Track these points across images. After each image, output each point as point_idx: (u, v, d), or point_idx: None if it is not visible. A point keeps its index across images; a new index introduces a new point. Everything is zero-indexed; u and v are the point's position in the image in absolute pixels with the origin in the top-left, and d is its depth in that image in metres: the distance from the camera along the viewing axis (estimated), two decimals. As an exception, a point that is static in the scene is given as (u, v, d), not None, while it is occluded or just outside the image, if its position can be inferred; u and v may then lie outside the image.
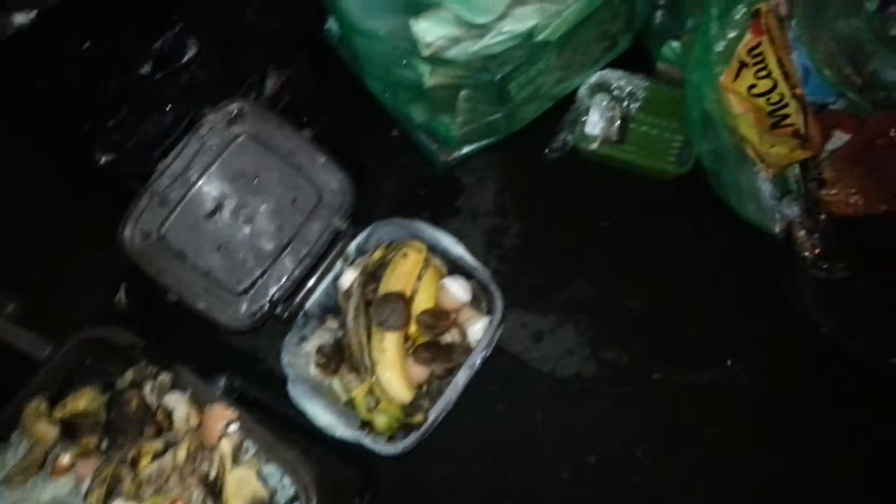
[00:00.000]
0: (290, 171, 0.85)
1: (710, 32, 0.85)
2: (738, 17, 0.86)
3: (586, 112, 1.00)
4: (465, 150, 1.01)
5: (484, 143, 1.01)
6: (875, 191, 0.88)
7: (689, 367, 0.94)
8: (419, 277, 0.85)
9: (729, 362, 0.94)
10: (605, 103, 1.00)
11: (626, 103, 1.01)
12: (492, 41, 0.83)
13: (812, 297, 0.93)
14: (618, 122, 1.00)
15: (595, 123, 1.00)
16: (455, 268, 0.86)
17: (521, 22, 0.82)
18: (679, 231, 1.00)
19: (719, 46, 0.86)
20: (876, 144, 0.86)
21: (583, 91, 1.01)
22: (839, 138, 0.93)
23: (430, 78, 0.88)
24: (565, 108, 1.01)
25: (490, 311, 0.85)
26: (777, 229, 0.94)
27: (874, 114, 0.89)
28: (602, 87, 1.01)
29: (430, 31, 0.82)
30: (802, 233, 0.93)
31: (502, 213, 1.03)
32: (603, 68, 1.01)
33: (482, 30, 0.82)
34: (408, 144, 1.03)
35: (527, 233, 1.01)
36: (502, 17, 0.81)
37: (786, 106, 0.90)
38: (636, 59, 1.01)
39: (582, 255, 1.00)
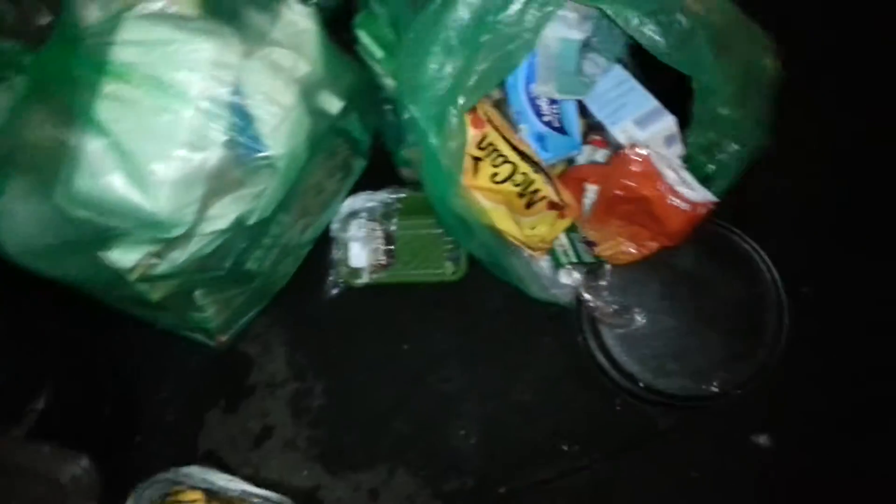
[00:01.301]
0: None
1: (432, 149, 0.83)
2: (453, 124, 0.83)
3: (345, 247, 0.96)
4: (236, 326, 0.95)
5: (253, 312, 0.96)
6: (640, 235, 0.89)
7: (528, 468, 0.92)
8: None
9: (565, 447, 0.93)
10: (362, 231, 0.96)
11: (384, 223, 0.97)
12: (198, 247, 0.77)
13: (622, 354, 0.93)
14: (382, 245, 0.97)
15: (358, 255, 0.96)
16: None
17: (221, 219, 0.76)
18: (478, 327, 0.98)
19: (446, 159, 0.84)
20: (615, 195, 0.86)
21: (335, 227, 0.97)
22: (593, 191, 0.94)
23: (154, 293, 0.81)
24: (329, 243, 0.98)
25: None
26: (567, 300, 0.94)
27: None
28: (354, 215, 0.97)
29: (125, 258, 0.76)
30: (589, 296, 0.93)
31: (300, 374, 0.97)
32: (347, 196, 0.98)
33: (183, 240, 0.76)
34: (177, 338, 0.95)
35: (333, 387, 0.97)
36: (198, 223, 0.75)
37: (532, 182, 0.90)
38: (381, 172, 0.98)
39: (393, 388, 0.96)
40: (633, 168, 0.81)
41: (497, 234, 0.89)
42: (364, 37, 0.92)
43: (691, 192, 0.80)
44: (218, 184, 0.74)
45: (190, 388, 0.98)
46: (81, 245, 0.74)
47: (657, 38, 0.73)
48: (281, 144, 0.75)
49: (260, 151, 0.75)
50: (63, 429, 0.81)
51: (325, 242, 0.97)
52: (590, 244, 0.92)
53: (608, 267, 0.93)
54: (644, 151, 0.82)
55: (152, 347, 0.98)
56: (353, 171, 0.97)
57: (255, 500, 0.76)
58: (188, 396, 0.98)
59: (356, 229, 0.97)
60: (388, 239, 0.97)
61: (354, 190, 0.98)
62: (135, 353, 0.98)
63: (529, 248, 0.90)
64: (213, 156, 0.72)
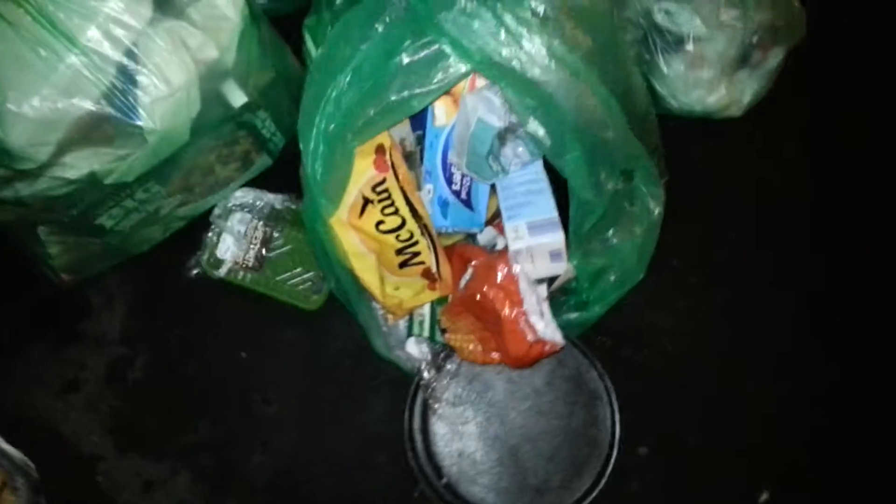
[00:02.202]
0: None
1: (309, 173, 0.81)
2: (337, 157, 0.82)
3: (219, 235, 0.94)
4: (84, 272, 0.93)
5: (105, 265, 0.94)
6: (488, 342, 0.87)
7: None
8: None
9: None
10: (241, 226, 0.95)
11: (267, 227, 0.96)
12: (44, 186, 0.75)
13: (439, 443, 0.92)
14: (256, 248, 0.95)
15: (226, 248, 0.94)
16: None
17: (74, 169, 0.75)
18: (320, 363, 0.96)
19: (322, 189, 0.82)
20: (475, 296, 0.84)
21: (216, 213, 0.95)
22: (470, 276, 0.92)
23: (-3, 214, 0.80)
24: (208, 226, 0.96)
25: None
26: (408, 367, 0.92)
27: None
28: (240, 208, 0.96)
29: (-31, 172, 0.74)
30: (429, 376, 0.91)
31: (130, 341, 0.96)
32: (241, 187, 0.96)
33: (31, 176, 0.74)
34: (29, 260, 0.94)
35: (154, 366, 0.95)
36: (49, 164, 0.73)
37: (416, 244, 0.88)
38: (287, 177, 0.96)
39: (212, 390, 0.94)
40: (500, 279, 0.79)
41: (355, 277, 0.87)
42: (308, 40, 0.91)
43: (542, 327, 0.79)
44: (80, 134, 0.73)
45: (25, 313, 0.97)
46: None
47: (541, 132, 0.72)
48: (157, 120, 0.74)
49: (133, 120, 0.73)
50: None
51: (204, 224, 0.96)
52: (442, 329, 0.91)
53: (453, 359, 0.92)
54: (516, 269, 0.80)
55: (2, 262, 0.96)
56: (255, 165, 0.95)
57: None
58: (19, 320, 0.96)
59: (236, 222, 0.95)
60: (266, 244, 0.95)
61: (251, 184, 0.97)
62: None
63: (384, 307, 0.89)
64: (81, 106, 0.71)
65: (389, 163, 0.85)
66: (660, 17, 0.89)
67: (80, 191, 0.77)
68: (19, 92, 0.69)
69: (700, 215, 1.03)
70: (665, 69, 0.92)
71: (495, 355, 0.87)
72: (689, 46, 0.92)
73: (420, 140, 0.90)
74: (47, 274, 0.93)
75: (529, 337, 0.79)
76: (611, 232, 0.81)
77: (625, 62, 0.77)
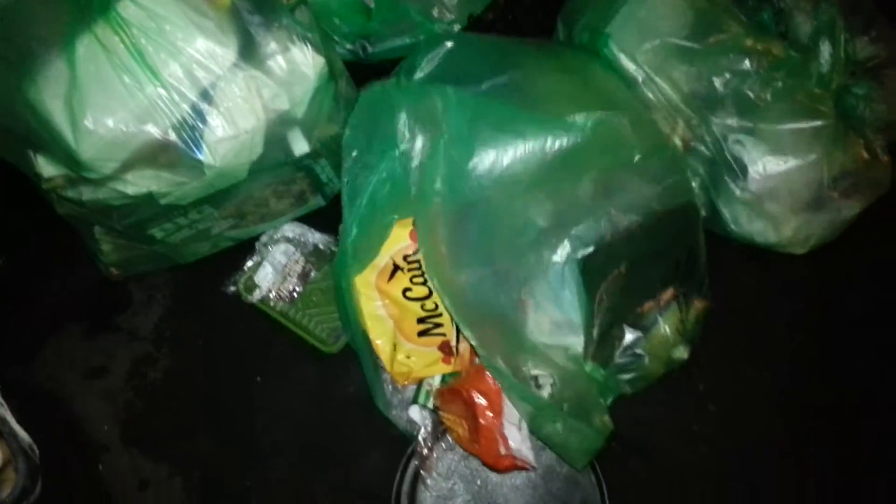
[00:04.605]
0: None
1: (350, 230, 0.85)
2: (377, 226, 0.85)
3: (260, 262, 1.00)
4: (131, 270, 1.00)
5: (151, 267, 1.00)
6: (472, 432, 0.88)
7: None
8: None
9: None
10: (283, 258, 0.99)
11: (308, 263, 1.00)
12: (104, 195, 0.82)
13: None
14: (293, 282, 1.00)
15: (265, 276, 0.99)
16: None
17: (132, 186, 0.81)
18: (327, 404, 0.99)
19: (354, 249, 0.86)
20: (462, 395, 0.86)
21: (263, 239, 1.00)
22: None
23: (59, 207, 0.87)
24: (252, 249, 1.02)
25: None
26: (405, 429, 0.95)
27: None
28: (286, 240, 1.00)
29: (45, 167, 0.82)
30: (425, 445, 0.93)
31: (158, 342, 1.02)
32: (294, 220, 1.01)
33: (93, 183, 0.81)
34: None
35: (174, 370, 1.01)
36: (111, 178, 0.80)
37: (439, 315, 0.91)
38: (338, 219, 1.00)
39: (221, 406, 0.99)
40: (488, 383, 0.81)
41: (368, 339, 0.90)
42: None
43: (516, 443, 0.80)
44: (144, 157, 0.79)
45: (72, 293, 1.05)
46: (19, 136, 0.80)
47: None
48: (218, 158, 0.79)
49: (195, 154, 0.79)
50: None
51: (249, 246, 1.01)
52: (436, 406, 0.92)
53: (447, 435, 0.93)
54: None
55: (63, 239, 1.03)
56: (308, 204, 1.00)
57: (4, 428, 0.80)
58: (65, 299, 1.04)
59: (279, 253, 1.00)
60: (302, 279, 1.00)
61: (302, 219, 1.01)
62: (46, 233, 1.04)
63: (391, 372, 0.91)
64: (151, 133, 0.77)
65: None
66: (733, 147, 0.88)
67: (136, 205, 0.84)
68: (97, 111, 0.76)
69: (737, 344, 1.01)
70: (731, 194, 0.91)
71: (475, 448, 0.89)
72: (760, 178, 0.91)
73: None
74: (99, 264, 1.00)
75: (502, 449, 0.80)
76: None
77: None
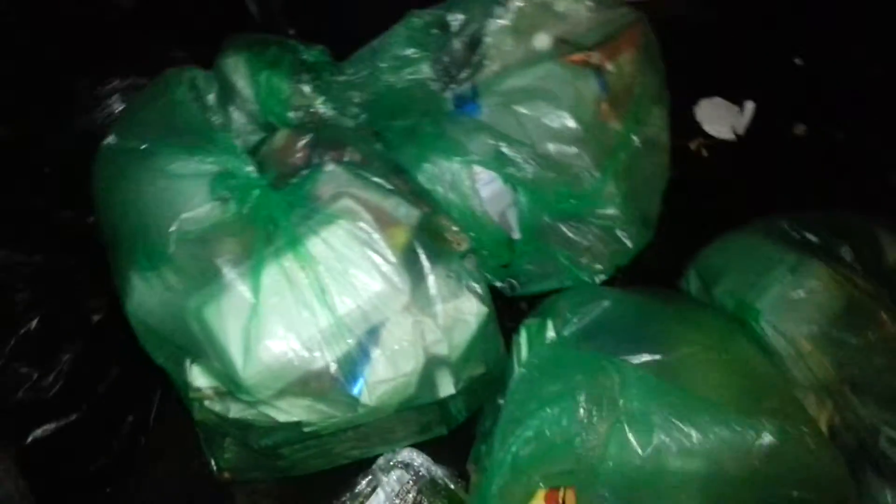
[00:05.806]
0: None
1: (486, 488, 0.83)
2: (519, 490, 0.83)
3: (374, 486, 0.97)
4: (244, 476, 0.99)
5: (267, 476, 0.99)
6: None
7: None
8: None
9: None
10: (396, 486, 0.97)
11: (420, 495, 0.97)
12: (249, 415, 0.82)
13: None
14: (407, 512, 0.97)
15: (380, 501, 0.96)
16: None
17: (283, 414, 0.82)
18: None
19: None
20: None
21: (380, 463, 0.99)
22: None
23: (196, 413, 0.87)
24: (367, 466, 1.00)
25: None
26: None
27: None
28: (402, 466, 0.99)
29: (197, 376, 0.84)
30: None
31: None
32: (412, 446, 0.99)
33: (243, 403, 0.82)
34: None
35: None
36: (264, 402, 0.81)
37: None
38: (453, 449, 0.99)
39: None
40: None
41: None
42: (523, 340, 0.96)
43: None
44: (301, 386, 0.80)
45: (185, 487, 1.03)
46: (177, 344, 0.83)
47: None
48: (374, 398, 0.80)
49: (351, 390, 0.79)
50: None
51: (366, 465, 0.99)
52: None
53: None
54: None
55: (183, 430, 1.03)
56: (431, 432, 0.99)
57: None
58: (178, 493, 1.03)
59: (394, 480, 0.98)
60: (417, 509, 0.97)
61: (420, 446, 1.00)
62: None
63: None
64: (314, 364, 0.79)
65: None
66: (884, 443, 0.86)
67: (280, 429, 0.84)
68: (273, 340, 0.78)
69: None
70: (879, 495, 0.87)
71: None
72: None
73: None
74: (213, 464, 0.99)
75: None
76: None
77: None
